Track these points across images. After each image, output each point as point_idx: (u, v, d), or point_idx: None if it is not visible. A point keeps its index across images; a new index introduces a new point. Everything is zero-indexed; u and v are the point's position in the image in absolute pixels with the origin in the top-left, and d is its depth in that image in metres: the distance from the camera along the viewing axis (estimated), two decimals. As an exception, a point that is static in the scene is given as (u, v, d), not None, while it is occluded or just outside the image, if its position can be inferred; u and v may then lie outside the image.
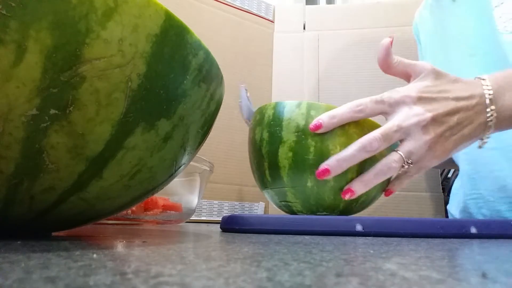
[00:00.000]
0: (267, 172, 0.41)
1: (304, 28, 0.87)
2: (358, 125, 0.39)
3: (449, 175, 0.80)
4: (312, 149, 0.38)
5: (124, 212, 0.43)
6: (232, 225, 0.33)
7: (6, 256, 0.12)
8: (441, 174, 0.78)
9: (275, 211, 0.74)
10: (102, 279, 0.09)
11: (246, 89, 0.57)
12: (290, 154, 0.38)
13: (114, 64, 0.16)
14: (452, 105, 0.37)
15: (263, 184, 0.42)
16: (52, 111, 0.15)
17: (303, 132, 0.38)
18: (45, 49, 0.14)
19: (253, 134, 0.43)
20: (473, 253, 0.19)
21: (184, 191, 0.52)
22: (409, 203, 0.73)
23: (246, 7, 0.86)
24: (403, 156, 0.37)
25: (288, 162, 0.38)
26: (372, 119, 0.40)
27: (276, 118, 0.40)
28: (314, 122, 0.38)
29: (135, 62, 0.16)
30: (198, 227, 0.46)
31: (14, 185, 0.16)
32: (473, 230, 0.30)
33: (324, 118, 0.37)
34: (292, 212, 0.42)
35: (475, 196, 0.56)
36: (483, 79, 0.39)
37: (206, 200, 0.72)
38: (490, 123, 0.38)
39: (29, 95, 0.14)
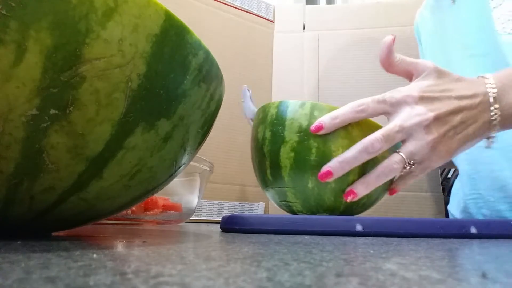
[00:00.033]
0: (268, 171, 0.41)
1: (304, 28, 0.87)
2: (361, 127, 0.38)
3: (449, 175, 0.80)
4: (314, 150, 0.37)
5: (124, 212, 0.43)
6: (232, 225, 0.33)
7: (6, 256, 0.12)
8: (441, 174, 0.78)
9: (275, 211, 0.74)
10: (102, 279, 0.09)
11: (249, 90, 0.57)
12: (292, 154, 0.38)
13: (114, 64, 0.16)
14: (455, 104, 0.37)
15: (264, 182, 0.42)
16: (52, 111, 0.15)
17: (305, 133, 0.38)
18: (45, 49, 0.14)
19: (256, 133, 0.43)
20: (473, 253, 0.19)
21: (184, 191, 0.52)
22: (409, 203, 0.73)
23: (246, 7, 0.86)
24: (404, 157, 0.37)
25: (289, 162, 0.38)
26: (375, 119, 0.40)
27: (279, 118, 0.40)
28: (315, 123, 0.37)
29: (135, 62, 0.16)
30: (198, 227, 0.46)
31: (14, 185, 0.16)
32: (473, 230, 0.30)
33: (325, 120, 0.37)
34: (292, 212, 0.42)
35: (475, 196, 0.56)
36: (486, 78, 0.38)
37: (206, 200, 0.72)
38: (494, 122, 0.37)
39: (29, 95, 0.14)
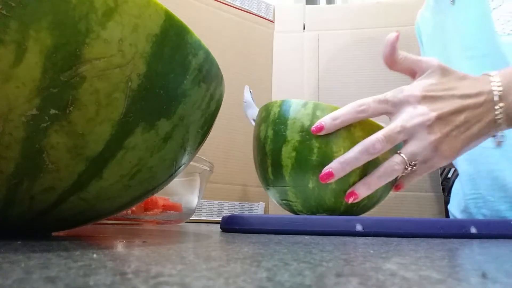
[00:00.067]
0: (269, 169, 0.41)
1: (304, 28, 0.87)
2: (364, 128, 0.38)
3: (449, 175, 0.80)
4: (315, 150, 0.37)
5: (124, 212, 0.43)
6: (232, 225, 0.33)
7: (6, 256, 0.12)
8: (441, 174, 0.78)
9: (275, 211, 0.74)
10: (102, 279, 0.09)
11: (251, 91, 0.57)
12: (294, 154, 0.38)
13: (114, 64, 0.16)
14: (458, 103, 0.36)
15: (266, 181, 0.42)
16: (52, 111, 0.15)
17: (307, 133, 0.38)
18: (45, 49, 0.14)
19: (258, 131, 0.43)
20: (473, 253, 0.19)
21: (184, 191, 0.52)
22: (409, 203, 0.73)
23: (246, 7, 0.86)
24: (406, 159, 0.36)
25: (291, 162, 0.38)
26: (377, 120, 0.39)
27: (282, 117, 0.40)
28: (316, 124, 0.37)
29: (135, 62, 0.16)
30: (198, 227, 0.46)
31: (14, 185, 0.16)
32: (473, 230, 0.30)
33: (326, 120, 0.37)
34: (293, 211, 0.42)
35: (475, 196, 0.56)
36: (492, 76, 0.38)
37: (206, 200, 0.72)
38: (500, 121, 0.36)
39: (29, 95, 0.14)
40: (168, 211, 0.49)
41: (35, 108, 0.15)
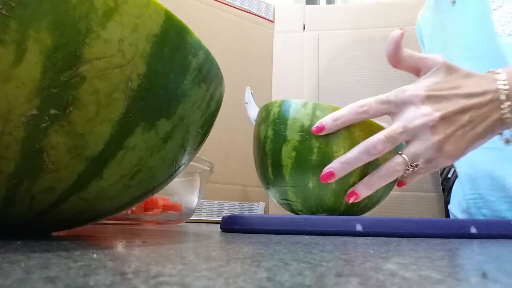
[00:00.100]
0: (269, 169, 0.41)
1: (304, 28, 0.87)
2: (364, 128, 0.38)
3: (449, 175, 0.80)
4: (315, 150, 0.37)
5: (124, 212, 0.43)
6: (232, 225, 0.33)
7: (6, 256, 0.12)
8: (441, 174, 0.78)
9: (275, 211, 0.74)
10: (102, 279, 0.09)
11: (252, 92, 0.57)
12: (294, 153, 0.38)
13: (114, 64, 0.16)
14: (463, 103, 0.36)
15: (266, 181, 0.42)
16: (52, 111, 0.15)
17: (307, 133, 0.38)
18: (45, 49, 0.14)
19: (258, 131, 0.43)
20: (473, 253, 0.19)
21: (184, 191, 0.52)
22: (409, 203, 0.73)
23: (246, 7, 0.86)
24: (407, 159, 0.36)
25: (291, 162, 0.38)
26: (379, 119, 0.39)
27: (281, 117, 0.40)
28: (316, 124, 0.37)
29: (135, 62, 0.16)
30: (198, 227, 0.46)
31: (14, 185, 0.16)
32: (473, 230, 0.30)
33: (326, 120, 0.37)
34: (293, 211, 0.42)
35: (475, 196, 0.56)
36: (498, 73, 0.37)
37: (206, 200, 0.72)
38: (506, 120, 0.36)
39: (29, 95, 0.14)
40: (168, 211, 0.49)
41: (35, 108, 0.15)
